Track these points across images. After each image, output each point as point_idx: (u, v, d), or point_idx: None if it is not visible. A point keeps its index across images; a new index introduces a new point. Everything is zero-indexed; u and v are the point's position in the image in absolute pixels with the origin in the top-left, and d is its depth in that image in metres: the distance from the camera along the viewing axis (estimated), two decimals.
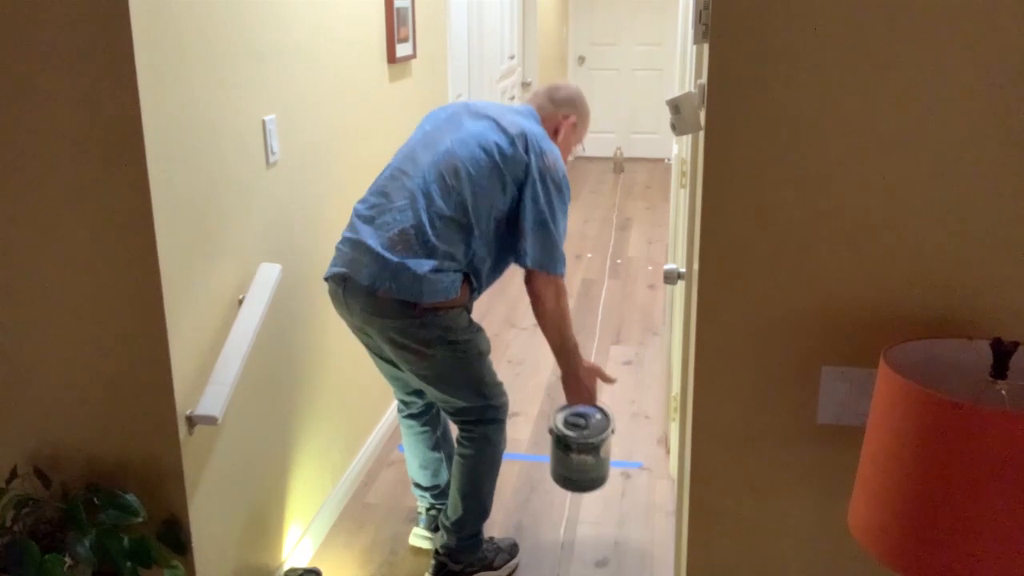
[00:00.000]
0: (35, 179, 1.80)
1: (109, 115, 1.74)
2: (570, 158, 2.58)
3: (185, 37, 1.88)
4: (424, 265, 2.20)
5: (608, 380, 2.49)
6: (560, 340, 2.41)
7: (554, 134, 2.47)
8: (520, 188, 2.28)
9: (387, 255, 2.20)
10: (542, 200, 2.28)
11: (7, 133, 1.78)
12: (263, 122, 2.26)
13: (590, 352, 4.28)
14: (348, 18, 2.86)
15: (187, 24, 1.89)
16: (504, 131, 2.29)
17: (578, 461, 2.35)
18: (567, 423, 2.37)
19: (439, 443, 2.67)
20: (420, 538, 2.75)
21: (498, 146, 2.26)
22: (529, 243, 2.29)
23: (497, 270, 2.40)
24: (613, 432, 2.38)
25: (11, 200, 1.81)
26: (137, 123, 1.74)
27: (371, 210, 2.30)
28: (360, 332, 2.39)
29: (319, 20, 2.61)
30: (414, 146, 2.36)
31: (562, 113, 2.48)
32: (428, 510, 2.74)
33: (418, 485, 2.74)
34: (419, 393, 2.60)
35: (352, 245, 2.28)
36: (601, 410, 2.42)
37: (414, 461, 2.70)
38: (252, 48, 2.19)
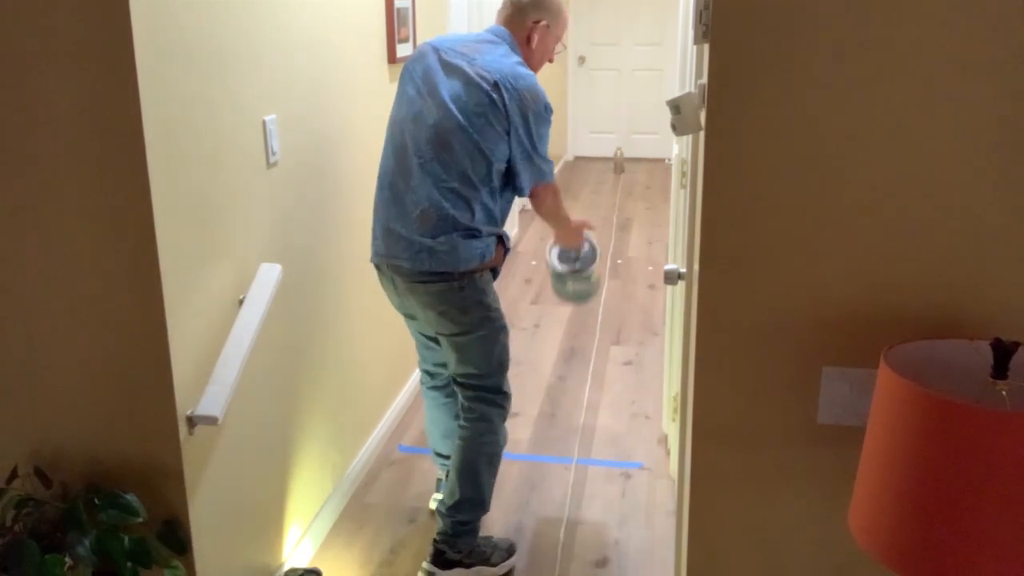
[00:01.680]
0: (35, 179, 1.80)
1: (109, 115, 1.74)
2: (555, 55, 2.61)
3: (185, 37, 1.88)
4: (454, 236, 2.33)
5: (590, 225, 2.72)
6: (555, 219, 2.62)
7: (527, 42, 2.47)
8: (507, 133, 2.34)
9: (418, 238, 2.35)
10: (523, 136, 2.35)
11: (7, 134, 1.78)
12: (263, 122, 2.26)
13: (590, 352, 4.28)
14: (348, 18, 2.86)
15: (187, 24, 1.89)
16: (477, 86, 2.31)
17: (574, 289, 2.80)
18: (560, 258, 2.75)
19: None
20: (439, 503, 2.84)
21: (476, 105, 2.30)
22: (524, 177, 2.41)
23: (507, 203, 2.51)
24: (597, 257, 2.78)
25: (11, 200, 1.81)
26: (137, 123, 1.74)
27: (391, 194, 2.42)
28: (401, 306, 2.56)
29: (319, 20, 2.61)
30: (404, 120, 2.41)
31: (531, 19, 2.45)
32: (448, 476, 2.81)
33: (439, 454, 2.86)
34: (446, 365, 2.68)
35: (385, 233, 2.43)
36: (589, 242, 2.74)
37: (436, 431, 2.83)
38: (252, 48, 2.19)
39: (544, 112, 2.38)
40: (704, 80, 1.44)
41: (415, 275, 2.38)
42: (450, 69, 2.35)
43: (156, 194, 1.80)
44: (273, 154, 2.32)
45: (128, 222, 1.80)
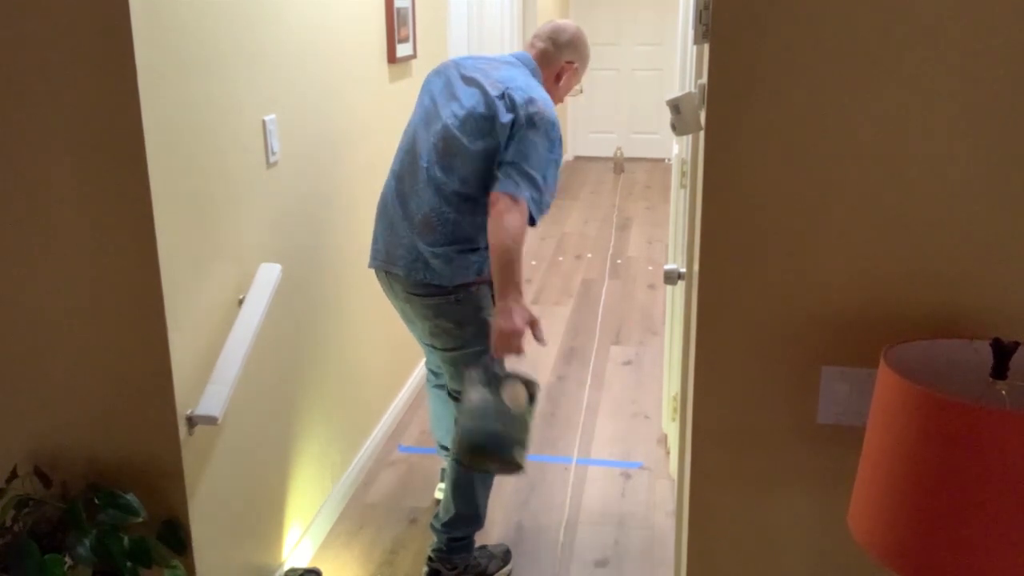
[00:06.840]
0: (35, 179, 1.80)
1: (109, 115, 1.74)
2: (568, 96, 2.68)
3: (185, 37, 1.88)
4: (452, 250, 2.32)
5: (539, 337, 2.31)
6: (504, 260, 2.20)
7: (556, 79, 2.53)
8: (508, 140, 2.27)
9: (419, 244, 2.34)
10: (527, 143, 2.24)
11: (7, 134, 1.78)
12: (263, 122, 2.26)
13: (590, 352, 4.28)
14: (348, 18, 2.86)
15: (187, 24, 1.89)
16: (489, 95, 2.30)
17: (477, 400, 1.95)
18: (480, 377, 2.11)
19: None
20: (433, 518, 2.88)
21: (485, 112, 2.29)
22: (506, 173, 2.23)
23: None
24: (532, 398, 2.05)
25: (11, 200, 1.81)
26: (137, 123, 1.74)
27: (398, 196, 2.42)
28: (402, 311, 2.55)
29: (319, 20, 2.61)
30: (418, 124, 2.45)
31: (566, 59, 2.52)
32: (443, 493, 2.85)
33: (444, 447, 2.88)
34: None
35: (388, 235, 2.43)
36: (521, 376, 2.13)
37: (441, 427, 2.85)
38: (252, 48, 2.19)
39: (552, 132, 2.28)
40: (704, 80, 1.44)
41: (410, 286, 2.38)
42: (468, 80, 2.38)
43: (156, 194, 1.80)
44: (273, 154, 2.32)
45: (128, 222, 1.80)
